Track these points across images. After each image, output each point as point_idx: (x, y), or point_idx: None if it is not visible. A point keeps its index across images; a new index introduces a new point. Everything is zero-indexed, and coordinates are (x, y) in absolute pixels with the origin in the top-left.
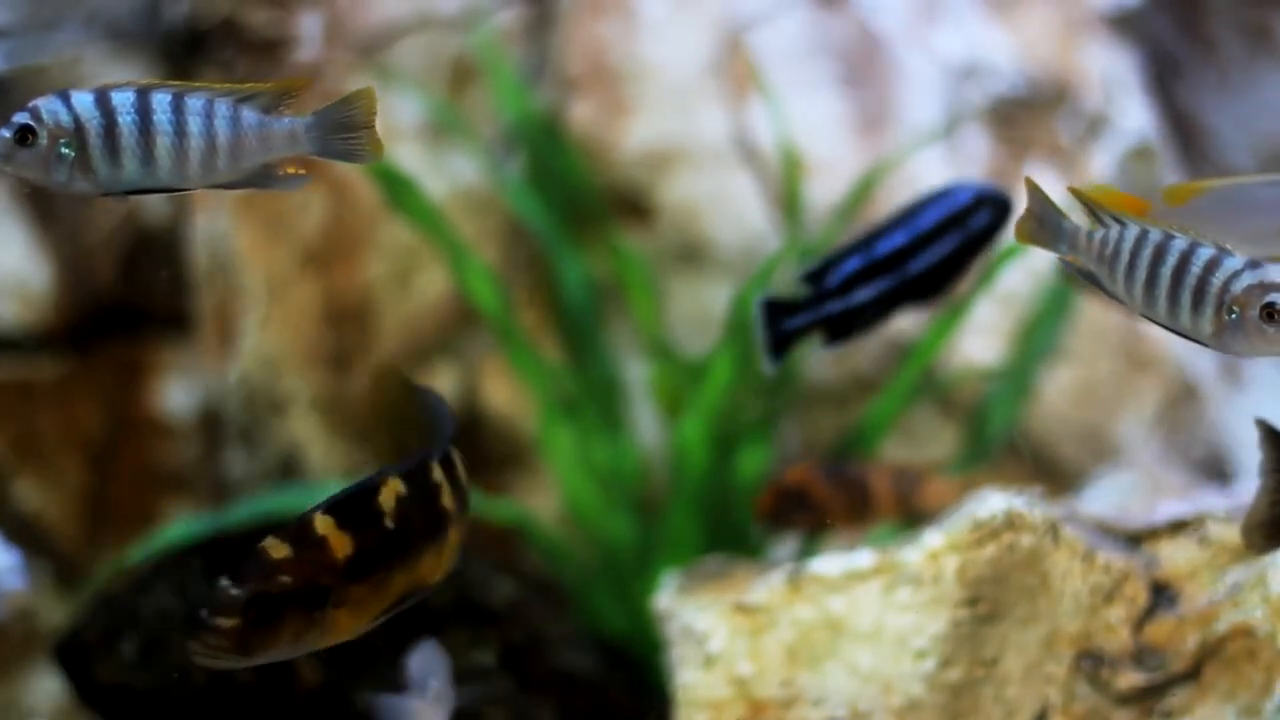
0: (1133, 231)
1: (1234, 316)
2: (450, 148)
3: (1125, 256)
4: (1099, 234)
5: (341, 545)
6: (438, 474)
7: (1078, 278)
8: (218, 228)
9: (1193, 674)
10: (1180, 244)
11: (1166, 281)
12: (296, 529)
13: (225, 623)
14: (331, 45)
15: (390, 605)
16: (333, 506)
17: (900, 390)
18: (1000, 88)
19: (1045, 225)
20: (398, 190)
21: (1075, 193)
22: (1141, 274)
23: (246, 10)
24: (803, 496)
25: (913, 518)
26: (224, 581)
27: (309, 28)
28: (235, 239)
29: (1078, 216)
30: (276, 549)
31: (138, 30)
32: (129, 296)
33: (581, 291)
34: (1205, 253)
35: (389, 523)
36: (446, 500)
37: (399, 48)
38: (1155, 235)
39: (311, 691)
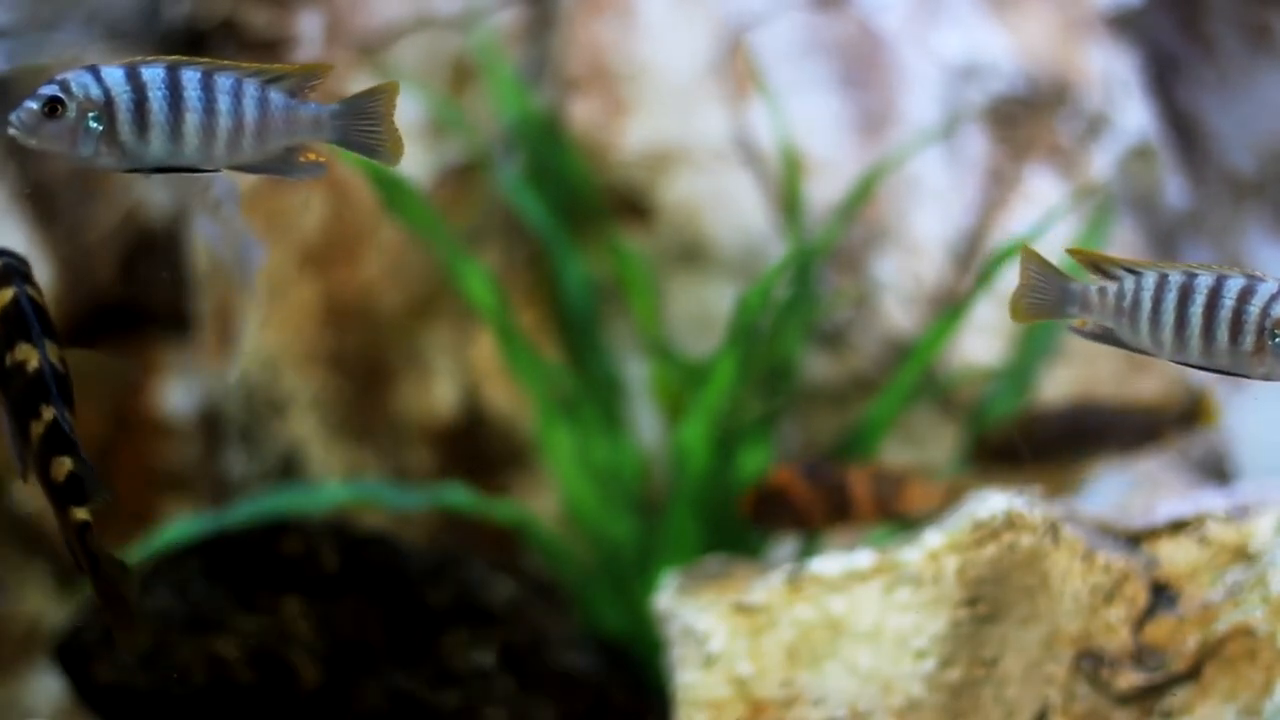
0: (1150, 278)
1: (1277, 340)
2: (450, 148)
3: (1147, 304)
4: (1113, 289)
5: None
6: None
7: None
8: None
9: (1193, 674)
10: (1206, 280)
11: (1199, 319)
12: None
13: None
14: (331, 45)
15: None
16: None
17: (900, 390)
18: (1000, 88)
19: (1048, 294)
20: (393, 192)
21: (1075, 254)
22: (1169, 318)
23: (246, 10)
24: (783, 498)
25: (894, 521)
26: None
27: (309, 28)
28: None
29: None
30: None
31: (138, 30)
32: (129, 296)
33: (581, 291)
34: (1236, 283)
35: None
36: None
37: (399, 48)
38: (1176, 276)
39: (311, 691)
